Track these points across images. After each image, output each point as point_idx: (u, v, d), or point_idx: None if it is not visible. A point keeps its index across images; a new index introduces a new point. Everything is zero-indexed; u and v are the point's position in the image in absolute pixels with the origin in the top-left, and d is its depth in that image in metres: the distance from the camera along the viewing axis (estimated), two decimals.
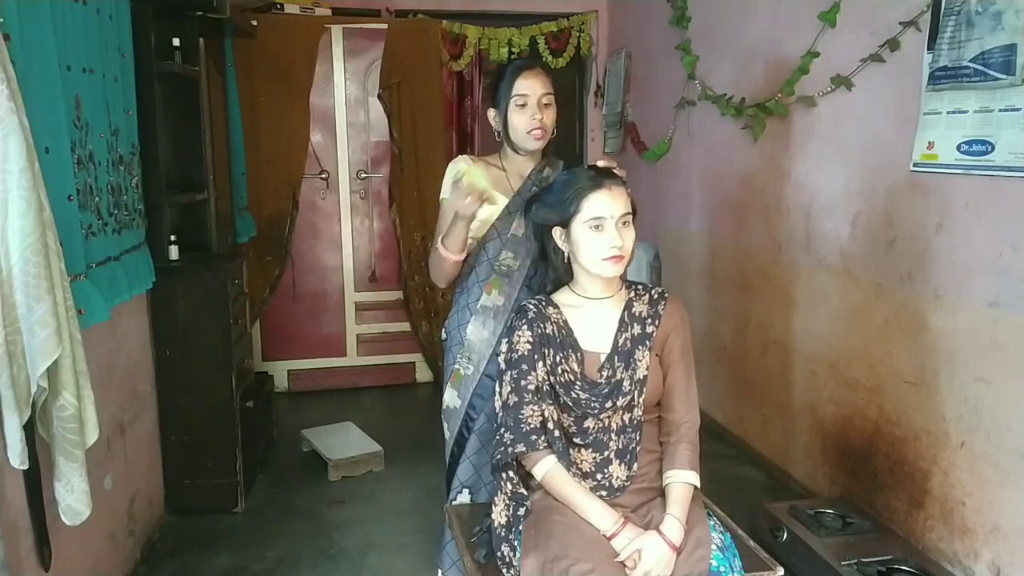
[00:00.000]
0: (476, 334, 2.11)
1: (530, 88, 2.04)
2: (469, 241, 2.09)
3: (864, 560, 2.33)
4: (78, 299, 1.96)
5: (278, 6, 4.23)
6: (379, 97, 4.40)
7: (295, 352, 4.57)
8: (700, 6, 3.86)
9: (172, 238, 2.91)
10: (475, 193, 1.88)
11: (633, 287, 1.81)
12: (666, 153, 4.26)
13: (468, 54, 4.76)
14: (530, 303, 1.77)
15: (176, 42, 2.92)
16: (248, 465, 3.15)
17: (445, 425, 2.21)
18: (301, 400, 4.46)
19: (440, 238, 2.03)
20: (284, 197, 4.33)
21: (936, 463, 2.47)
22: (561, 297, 1.79)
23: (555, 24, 4.93)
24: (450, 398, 2.17)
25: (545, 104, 2.06)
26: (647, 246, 4.27)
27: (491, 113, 2.14)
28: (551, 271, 1.81)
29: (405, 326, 4.66)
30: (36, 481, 1.91)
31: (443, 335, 2.23)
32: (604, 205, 1.65)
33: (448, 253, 2.02)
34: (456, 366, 2.15)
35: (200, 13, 3.05)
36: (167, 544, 2.84)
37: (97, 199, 2.28)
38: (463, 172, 2.01)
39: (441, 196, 2.18)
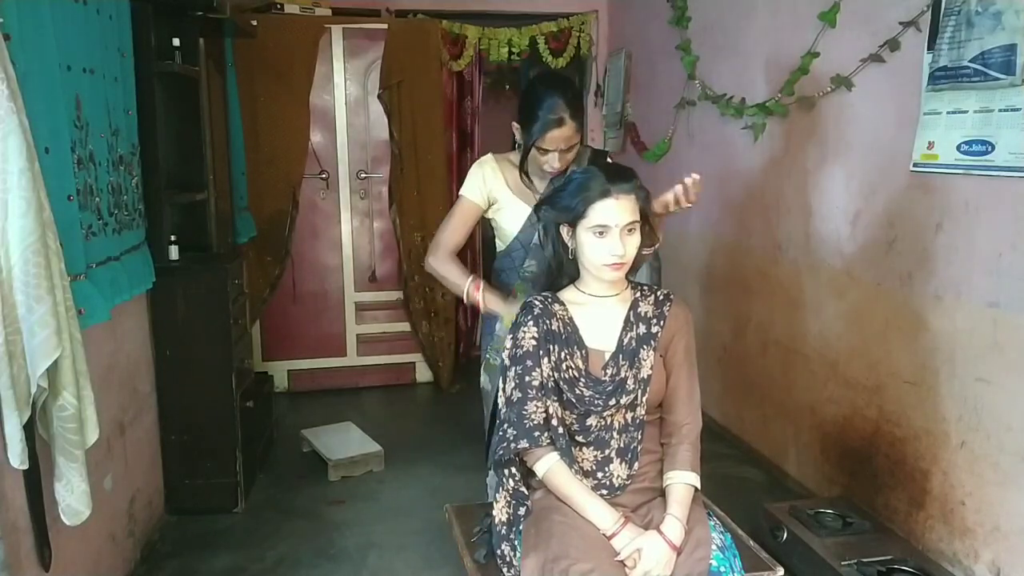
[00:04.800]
0: (502, 330, 2.25)
1: (556, 143, 2.07)
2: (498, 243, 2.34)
3: (864, 560, 2.33)
4: (78, 299, 1.96)
5: (278, 6, 4.22)
6: (379, 97, 4.39)
7: (295, 352, 4.56)
8: (700, 6, 3.86)
9: (172, 238, 2.90)
10: None
11: (639, 288, 1.82)
12: (666, 153, 4.25)
13: (468, 54, 4.75)
14: (536, 299, 1.77)
15: (176, 42, 2.92)
16: (248, 465, 3.15)
17: (484, 404, 2.38)
18: (301, 400, 4.45)
19: (484, 291, 2.13)
20: (284, 197, 4.33)
21: (936, 463, 2.47)
22: (567, 295, 1.80)
23: (555, 24, 4.92)
24: (484, 381, 2.37)
25: (568, 150, 2.11)
26: None
27: (516, 126, 2.19)
28: (564, 267, 1.81)
29: (405, 326, 4.66)
30: (36, 481, 1.91)
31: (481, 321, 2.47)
32: (609, 214, 1.65)
33: (474, 298, 2.14)
34: (488, 355, 2.35)
35: (200, 13, 3.05)
36: (167, 544, 2.84)
37: (97, 199, 2.28)
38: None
39: (461, 192, 2.27)
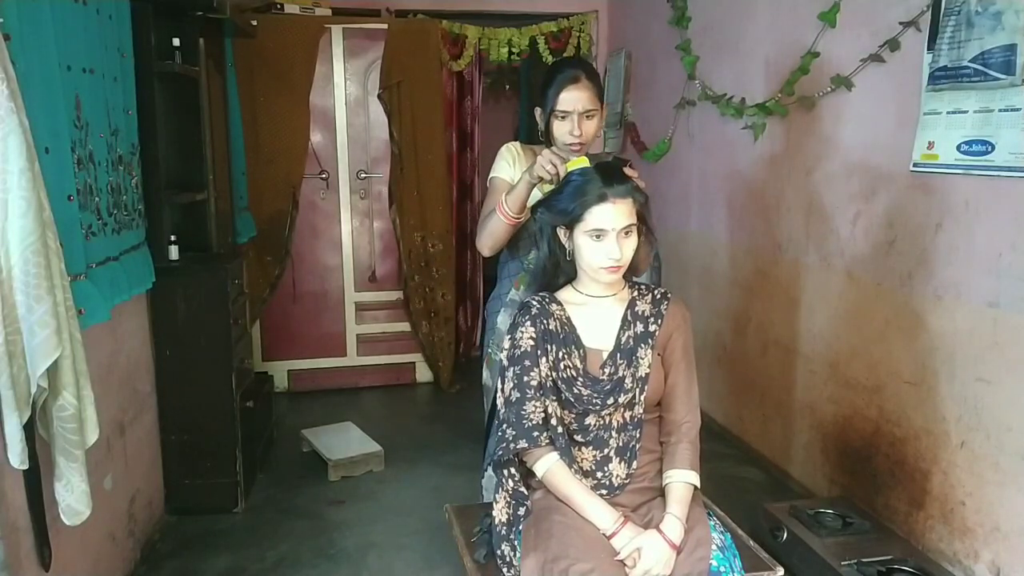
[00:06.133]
0: (503, 324, 2.27)
1: (572, 104, 2.08)
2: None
3: (864, 560, 2.33)
4: (78, 299, 1.96)
5: (278, 6, 4.22)
6: (379, 97, 4.39)
7: (295, 352, 4.56)
8: (700, 6, 3.86)
9: (172, 238, 2.91)
10: (557, 171, 1.91)
11: (636, 287, 1.82)
12: (666, 153, 4.25)
13: (468, 54, 4.75)
14: (533, 300, 1.78)
15: (176, 42, 2.92)
16: (248, 465, 3.15)
17: (485, 399, 2.37)
18: (301, 400, 4.45)
19: (504, 197, 2.08)
20: (284, 197, 4.33)
21: (936, 463, 2.47)
22: (565, 295, 1.80)
23: (555, 24, 4.92)
24: (486, 376, 2.37)
25: (588, 117, 2.11)
26: None
27: (537, 111, 2.21)
28: (560, 267, 1.81)
29: (405, 326, 4.66)
30: (36, 481, 1.91)
31: (484, 316, 2.45)
32: (606, 218, 1.66)
33: (506, 211, 2.07)
34: (489, 350, 2.34)
35: (200, 13, 3.05)
36: (167, 544, 2.83)
37: (97, 199, 2.28)
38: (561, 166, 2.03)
39: (493, 175, 2.26)
